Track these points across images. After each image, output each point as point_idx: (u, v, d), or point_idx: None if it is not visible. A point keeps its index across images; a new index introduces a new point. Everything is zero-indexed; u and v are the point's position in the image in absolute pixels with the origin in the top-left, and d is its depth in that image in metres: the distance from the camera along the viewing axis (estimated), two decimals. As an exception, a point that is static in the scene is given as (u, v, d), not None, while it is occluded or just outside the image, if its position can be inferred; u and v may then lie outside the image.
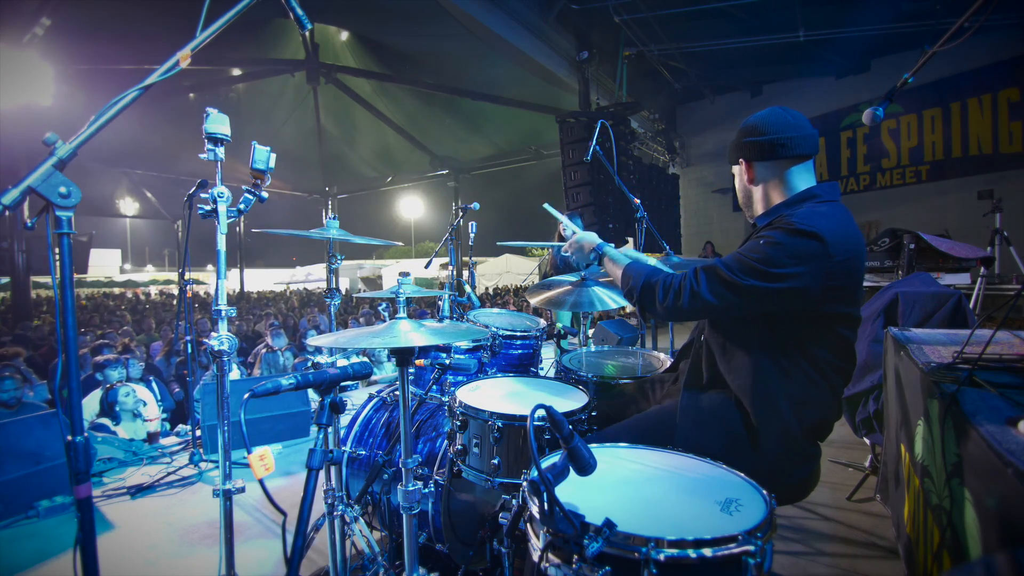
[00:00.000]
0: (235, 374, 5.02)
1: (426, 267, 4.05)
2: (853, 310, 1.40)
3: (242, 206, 1.73)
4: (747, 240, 1.47)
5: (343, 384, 1.46)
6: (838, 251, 1.27)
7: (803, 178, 1.46)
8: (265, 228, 2.18)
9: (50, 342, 6.94)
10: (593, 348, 2.68)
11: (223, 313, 1.69)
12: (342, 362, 1.66)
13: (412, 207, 27.17)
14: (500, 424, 1.57)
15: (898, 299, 2.54)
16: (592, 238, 1.81)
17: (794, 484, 1.46)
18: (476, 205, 3.86)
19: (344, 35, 13.01)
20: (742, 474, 1.16)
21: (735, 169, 1.59)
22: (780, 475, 1.41)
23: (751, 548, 0.88)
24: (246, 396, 1.26)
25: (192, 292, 3.59)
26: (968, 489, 1.13)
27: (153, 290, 27.85)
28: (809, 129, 1.45)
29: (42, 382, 4.65)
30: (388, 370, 6.29)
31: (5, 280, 9.87)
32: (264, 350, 5.83)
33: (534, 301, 2.33)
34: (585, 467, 0.97)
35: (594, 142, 3.02)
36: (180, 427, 4.26)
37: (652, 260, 1.79)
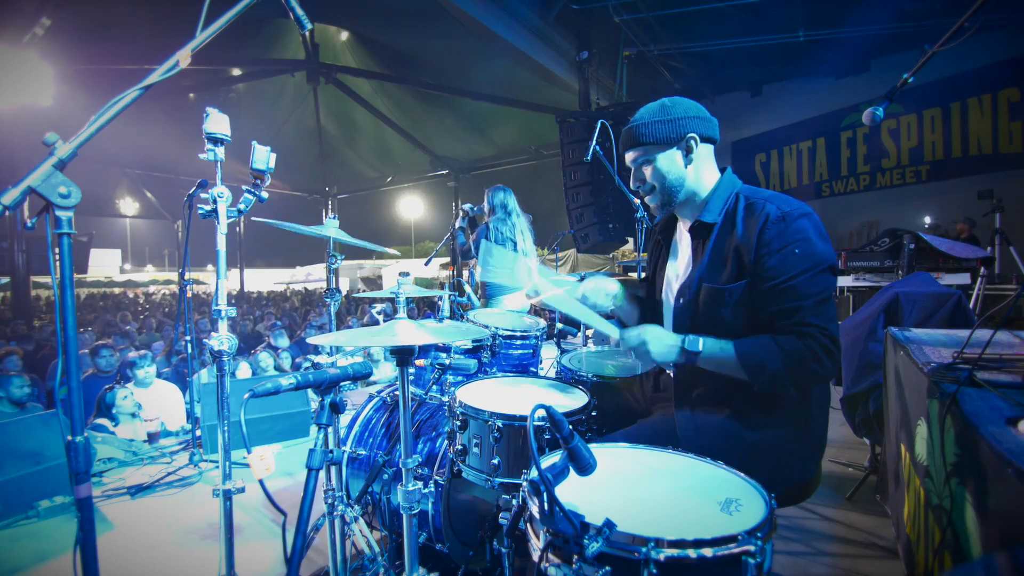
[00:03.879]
0: (246, 371, 4.99)
1: (426, 264, 4.07)
2: None
3: (242, 206, 1.73)
4: (758, 250, 1.36)
5: (341, 384, 1.46)
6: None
7: (715, 161, 1.54)
8: (265, 219, 2.16)
9: (51, 342, 6.94)
10: (593, 348, 2.68)
11: (223, 313, 1.69)
12: (342, 362, 1.67)
13: (412, 207, 27.16)
14: (500, 424, 1.57)
15: (898, 299, 2.54)
16: (660, 336, 1.39)
17: (805, 469, 1.48)
18: (481, 208, 3.86)
19: (344, 35, 12.99)
20: (742, 474, 1.16)
21: (665, 153, 1.45)
22: (793, 463, 1.44)
23: (751, 548, 0.88)
24: (246, 396, 1.26)
25: (192, 292, 3.59)
26: (968, 489, 1.13)
27: (158, 290, 27.81)
28: None
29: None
30: (387, 370, 6.28)
31: (5, 280, 9.87)
32: (265, 350, 5.83)
33: (534, 301, 2.33)
34: (585, 467, 0.97)
35: (594, 142, 3.03)
36: (180, 426, 4.25)
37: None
